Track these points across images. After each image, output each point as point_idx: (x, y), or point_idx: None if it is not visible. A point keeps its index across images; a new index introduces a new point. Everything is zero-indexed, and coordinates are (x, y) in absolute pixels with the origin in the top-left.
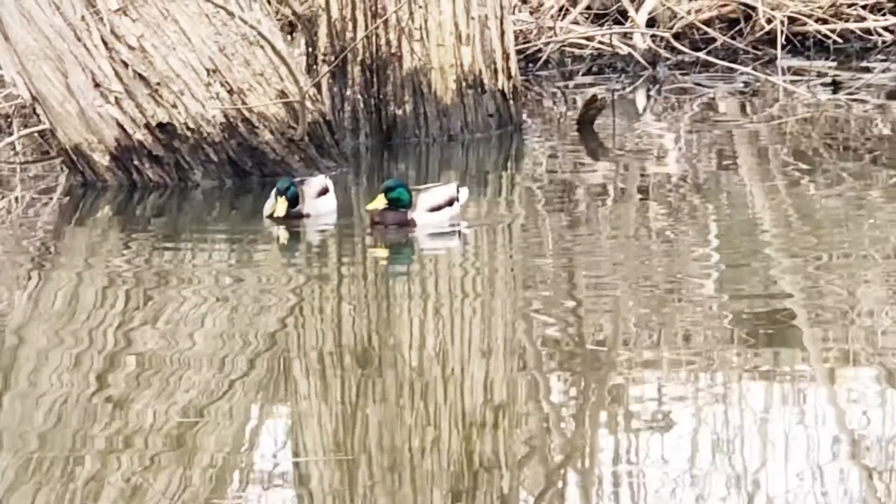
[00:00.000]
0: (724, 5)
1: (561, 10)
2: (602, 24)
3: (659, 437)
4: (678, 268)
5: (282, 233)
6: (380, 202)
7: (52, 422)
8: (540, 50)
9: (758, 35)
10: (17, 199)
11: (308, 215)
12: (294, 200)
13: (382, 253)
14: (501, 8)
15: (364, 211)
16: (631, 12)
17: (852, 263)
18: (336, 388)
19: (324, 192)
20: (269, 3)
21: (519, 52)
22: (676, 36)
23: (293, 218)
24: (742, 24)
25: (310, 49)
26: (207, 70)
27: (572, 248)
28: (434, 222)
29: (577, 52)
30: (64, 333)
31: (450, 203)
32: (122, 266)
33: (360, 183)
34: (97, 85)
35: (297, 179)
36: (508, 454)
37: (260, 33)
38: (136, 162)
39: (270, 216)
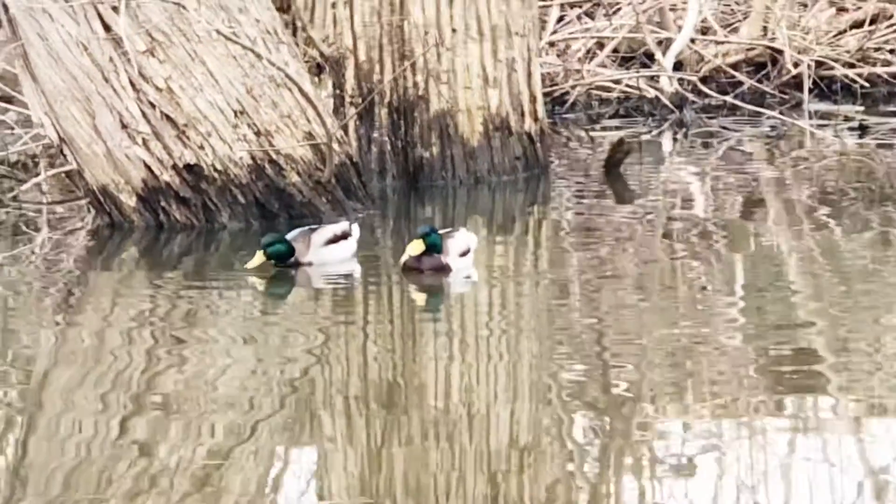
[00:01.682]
0: (751, 49)
1: (588, 53)
2: (629, 68)
3: (683, 483)
4: (704, 314)
5: (311, 277)
6: (418, 247)
7: (77, 463)
8: (567, 93)
9: (785, 79)
10: (43, 239)
11: (310, 263)
12: (283, 255)
13: (416, 297)
14: (529, 51)
15: (401, 257)
16: (658, 55)
17: (879, 308)
18: (361, 431)
19: (336, 239)
20: (296, 44)
21: (546, 94)
22: (703, 79)
23: (290, 267)
24: (769, 68)
25: (337, 91)
26: (235, 111)
27: (598, 293)
28: (464, 266)
29: (604, 95)
30: (90, 375)
31: (469, 250)
32: (149, 307)
33: (387, 225)
34: (124, 126)
35: (308, 228)
36: (533, 498)
37: (287, 75)
38: (163, 203)
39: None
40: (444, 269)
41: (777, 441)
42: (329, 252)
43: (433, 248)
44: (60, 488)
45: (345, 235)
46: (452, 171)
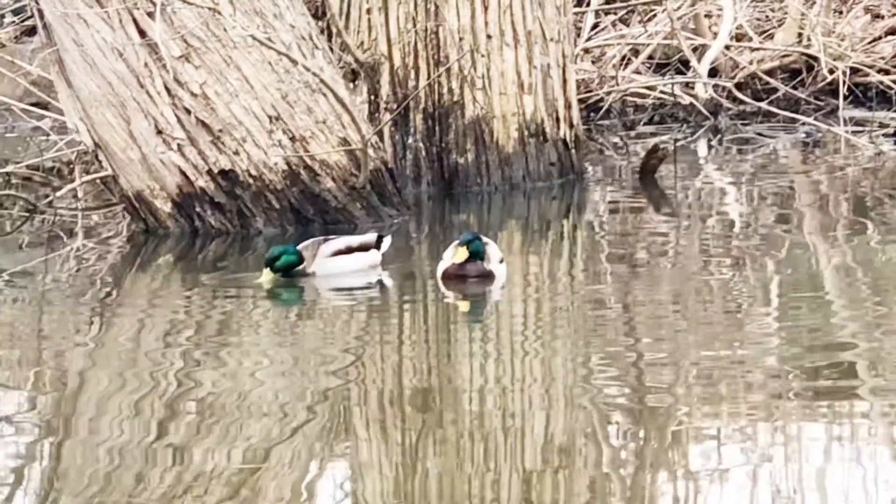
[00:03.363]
0: (787, 55)
1: (623, 59)
2: (664, 74)
3: (718, 488)
4: (739, 319)
5: (369, 277)
6: (462, 254)
7: (112, 466)
8: (602, 99)
9: (820, 85)
10: (79, 246)
11: (313, 274)
12: (290, 266)
13: (448, 307)
14: (564, 57)
15: (438, 265)
16: (693, 62)
17: None
18: (397, 437)
19: (350, 251)
20: (331, 50)
21: (581, 101)
22: (738, 86)
23: (296, 276)
24: (804, 75)
25: (372, 97)
26: (270, 117)
27: (633, 299)
28: (504, 274)
29: (638, 101)
30: (125, 379)
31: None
32: (184, 313)
33: (422, 231)
34: (160, 132)
35: (324, 238)
36: (569, 499)
37: (322, 81)
38: (198, 209)
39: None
40: (490, 277)
41: (813, 447)
42: (334, 263)
43: (476, 255)
44: (95, 491)
45: (363, 248)
46: (487, 178)
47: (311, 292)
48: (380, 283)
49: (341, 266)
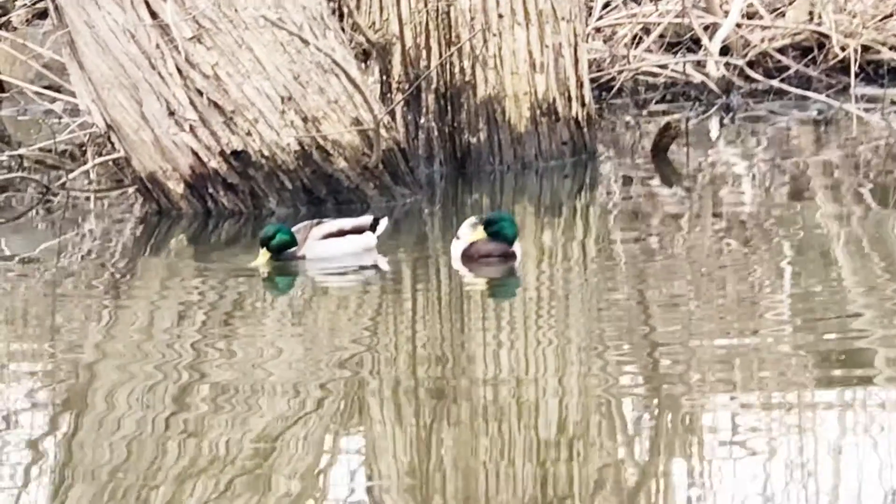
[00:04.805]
0: (798, 33)
1: (634, 38)
2: (675, 53)
3: (732, 466)
4: (752, 296)
5: (363, 260)
6: (479, 234)
7: (126, 450)
8: (613, 78)
9: (831, 63)
10: (92, 228)
11: (303, 257)
12: (284, 246)
13: (475, 285)
14: (575, 36)
15: (453, 245)
16: (704, 41)
17: None
18: (410, 416)
19: (342, 233)
20: (343, 30)
21: (592, 80)
22: (750, 64)
23: (287, 260)
24: (815, 52)
25: (384, 77)
26: (282, 98)
27: (647, 277)
28: (520, 254)
29: (650, 80)
30: (138, 362)
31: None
32: (197, 294)
33: (434, 211)
34: (172, 113)
35: (317, 220)
36: (583, 482)
37: (334, 61)
38: (210, 190)
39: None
40: (511, 257)
41: (828, 425)
42: (326, 246)
43: (497, 235)
44: (109, 474)
45: (357, 230)
46: (500, 157)
47: (317, 275)
48: (375, 266)
49: (333, 249)
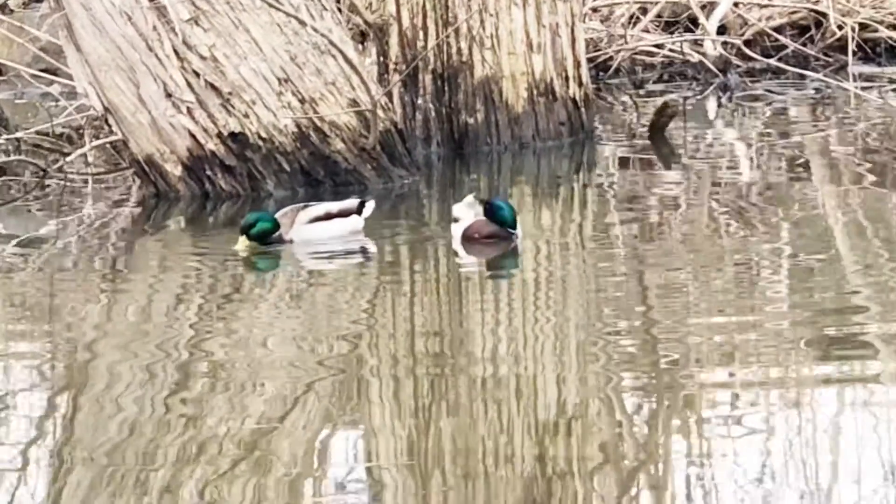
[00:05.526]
0: (795, 12)
1: (631, 18)
2: (673, 32)
3: (732, 444)
4: (751, 276)
5: (350, 243)
6: (479, 214)
7: (125, 433)
8: (611, 58)
9: (829, 42)
10: (89, 211)
11: (291, 241)
12: (266, 234)
13: (474, 265)
14: (572, 16)
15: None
16: (702, 20)
17: None
18: (409, 396)
19: (329, 217)
20: (340, 11)
21: (590, 60)
22: (747, 43)
23: (273, 243)
24: (813, 31)
25: (381, 58)
26: (279, 79)
27: (645, 257)
28: (519, 235)
29: (647, 60)
30: (136, 344)
31: None
32: (195, 276)
33: (432, 192)
34: (169, 95)
35: (303, 204)
36: (581, 461)
37: (331, 42)
38: (208, 172)
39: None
40: (513, 238)
41: (826, 409)
42: (313, 230)
43: (498, 216)
44: (108, 457)
45: (343, 214)
46: (497, 137)
47: (313, 258)
48: (363, 249)
49: (320, 233)
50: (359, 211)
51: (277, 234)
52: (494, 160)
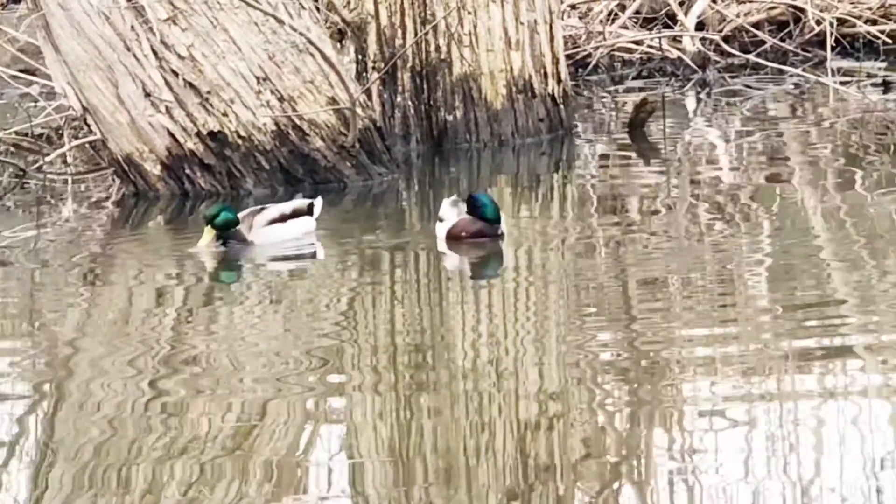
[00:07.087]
0: (773, 8)
1: (610, 14)
2: (651, 29)
3: (713, 438)
4: (731, 272)
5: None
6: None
7: (107, 431)
8: (589, 55)
9: (807, 37)
10: (69, 210)
11: (252, 243)
12: (230, 224)
13: (457, 263)
14: (551, 13)
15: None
16: (680, 16)
17: None
18: (391, 392)
19: (284, 218)
20: (318, 10)
21: (568, 57)
22: (726, 39)
23: (236, 241)
24: (791, 27)
25: (359, 56)
26: (258, 78)
27: (625, 253)
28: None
29: (626, 56)
30: (117, 343)
31: None
32: (175, 275)
33: (412, 189)
34: (147, 94)
35: (259, 207)
36: (564, 456)
37: (309, 41)
38: (187, 171)
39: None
40: (500, 237)
41: (808, 403)
42: (271, 232)
43: (482, 214)
44: (90, 454)
45: (296, 214)
46: (476, 134)
47: (287, 258)
48: (315, 251)
49: (280, 234)
50: (309, 211)
51: (240, 234)
52: (474, 157)
